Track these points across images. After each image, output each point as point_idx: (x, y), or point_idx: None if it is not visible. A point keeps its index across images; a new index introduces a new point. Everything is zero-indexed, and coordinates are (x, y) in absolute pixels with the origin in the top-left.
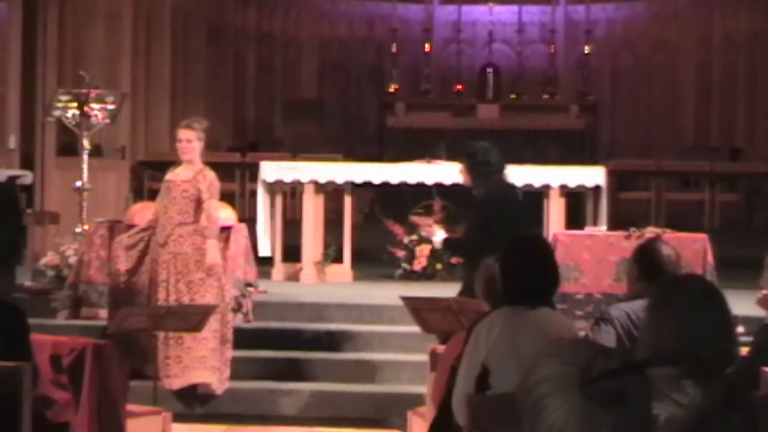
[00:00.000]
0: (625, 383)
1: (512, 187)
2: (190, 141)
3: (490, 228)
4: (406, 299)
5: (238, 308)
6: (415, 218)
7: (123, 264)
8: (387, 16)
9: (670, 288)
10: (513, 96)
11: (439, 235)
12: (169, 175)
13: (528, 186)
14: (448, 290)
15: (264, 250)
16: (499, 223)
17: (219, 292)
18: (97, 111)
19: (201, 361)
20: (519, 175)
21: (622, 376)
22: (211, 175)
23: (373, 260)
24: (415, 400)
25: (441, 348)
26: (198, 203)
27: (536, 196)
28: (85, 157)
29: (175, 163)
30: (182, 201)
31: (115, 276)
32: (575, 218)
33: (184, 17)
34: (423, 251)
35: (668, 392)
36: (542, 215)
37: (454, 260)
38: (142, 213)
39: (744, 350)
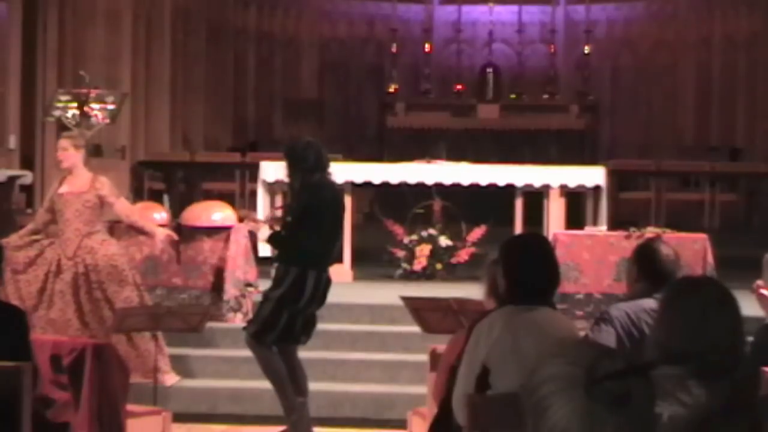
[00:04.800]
0: (629, 384)
1: (326, 187)
2: (66, 149)
3: (303, 225)
4: (406, 299)
5: (238, 308)
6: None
7: (8, 265)
8: (387, 16)
9: (685, 289)
10: (513, 96)
11: (264, 232)
12: (62, 189)
13: (528, 186)
14: (448, 290)
15: (264, 250)
16: (322, 226)
17: (137, 293)
18: (97, 111)
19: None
20: (519, 174)
21: (626, 378)
22: (105, 179)
23: (373, 260)
24: (415, 400)
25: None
26: (100, 210)
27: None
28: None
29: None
30: (86, 211)
31: None
32: (575, 218)
33: (184, 17)
34: (423, 251)
35: (672, 391)
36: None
37: (453, 260)
38: (142, 213)
39: None
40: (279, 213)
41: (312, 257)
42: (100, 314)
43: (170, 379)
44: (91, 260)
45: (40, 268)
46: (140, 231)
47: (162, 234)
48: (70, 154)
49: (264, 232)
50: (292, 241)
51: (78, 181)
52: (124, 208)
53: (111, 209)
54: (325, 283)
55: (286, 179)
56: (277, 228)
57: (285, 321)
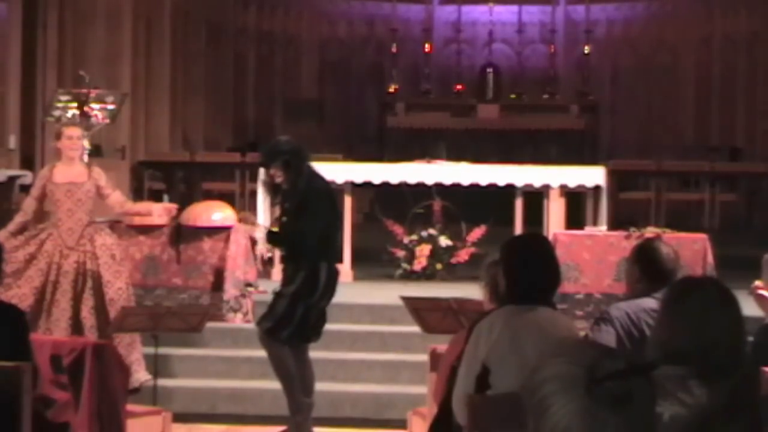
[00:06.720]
0: (630, 384)
1: (315, 176)
2: (80, 138)
3: (311, 219)
4: (406, 299)
5: (238, 308)
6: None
7: (8, 266)
8: (387, 16)
9: (686, 288)
10: (513, 96)
11: (260, 231)
12: (58, 179)
13: (528, 186)
14: (448, 290)
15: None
16: (320, 212)
17: (126, 286)
18: (97, 111)
19: None
20: (519, 174)
21: (627, 378)
22: (99, 169)
23: (373, 260)
24: (415, 400)
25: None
26: (96, 200)
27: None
28: (85, 157)
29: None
30: (87, 201)
31: None
32: (575, 218)
33: (184, 17)
34: (423, 251)
35: (673, 391)
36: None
37: (453, 260)
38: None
39: None
40: (275, 215)
41: (320, 246)
42: (93, 304)
43: (137, 380)
44: (91, 248)
45: (42, 260)
46: (137, 215)
47: (158, 208)
48: (81, 143)
49: (260, 232)
50: (294, 234)
51: (73, 170)
52: (118, 198)
53: (105, 200)
54: (335, 275)
55: (277, 180)
56: (274, 229)
57: (300, 316)
